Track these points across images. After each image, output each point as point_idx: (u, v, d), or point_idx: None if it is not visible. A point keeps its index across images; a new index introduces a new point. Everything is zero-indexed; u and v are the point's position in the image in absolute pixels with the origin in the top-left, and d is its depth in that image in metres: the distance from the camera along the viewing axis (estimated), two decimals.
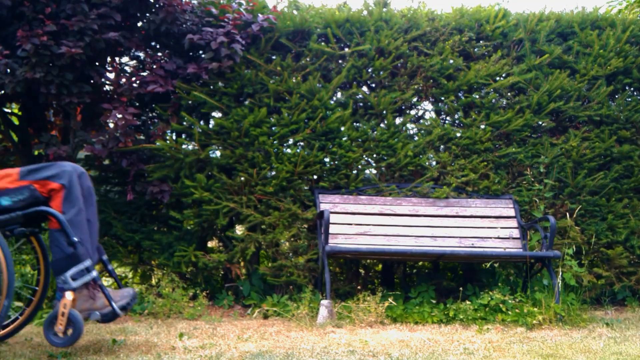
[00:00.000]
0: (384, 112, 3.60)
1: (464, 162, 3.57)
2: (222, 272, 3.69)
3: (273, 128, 3.52)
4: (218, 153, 3.55)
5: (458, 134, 3.64)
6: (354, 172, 3.59)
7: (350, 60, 3.59)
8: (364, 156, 3.63)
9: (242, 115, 3.45)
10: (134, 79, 3.39)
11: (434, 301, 3.29)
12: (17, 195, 2.13)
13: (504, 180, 3.59)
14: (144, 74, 3.44)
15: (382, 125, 3.65)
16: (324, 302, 2.99)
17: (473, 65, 3.64)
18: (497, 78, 3.74)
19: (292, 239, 3.52)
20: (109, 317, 2.19)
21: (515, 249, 3.40)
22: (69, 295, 2.08)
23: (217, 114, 3.65)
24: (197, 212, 3.47)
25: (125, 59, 3.80)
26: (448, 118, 3.78)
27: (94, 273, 2.15)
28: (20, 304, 3.07)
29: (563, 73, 3.68)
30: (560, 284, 3.16)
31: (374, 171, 3.68)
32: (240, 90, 3.55)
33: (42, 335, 2.62)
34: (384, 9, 3.72)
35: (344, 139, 3.54)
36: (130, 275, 3.94)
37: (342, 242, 3.35)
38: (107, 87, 3.60)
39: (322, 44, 3.62)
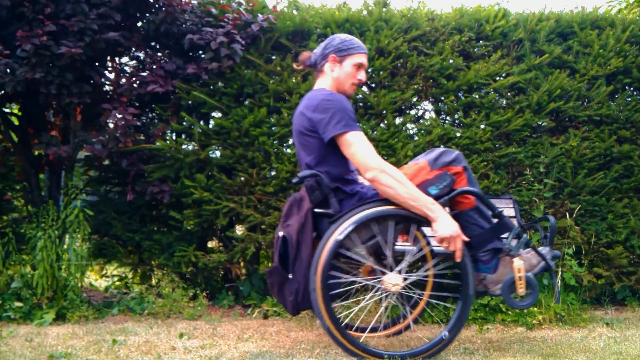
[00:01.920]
0: (384, 112, 3.60)
1: None
2: (222, 272, 3.69)
3: (273, 128, 3.52)
4: (218, 153, 3.55)
5: (458, 134, 3.64)
6: None
7: None
8: None
9: (242, 116, 3.45)
10: (134, 79, 3.40)
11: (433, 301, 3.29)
12: (442, 183, 2.26)
13: (504, 180, 3.58)
14: (144, 74, 3.44)
15: (382, 125, 3.65)
16: None
17: (473, 65, 3.64)
18: (497, 78, 3.74)
19: None
20: (542, 272, 2.36)
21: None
22: (517, 261, 2.25)
23: (217, 114, 3.65)
24: (197, 212, 3.47)
25: (125, 59, 3.81)
26: (448, 118, 3.78)
27: (525, 236, 2.30)
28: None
29: (563, 73, 3.68)
30: (560, 283, 3.16)
31: None
32: (240, 91, 3.55)
33: (42, 336, 2.63)
34: (384, 9, 3.72)
35: None
36: (130, 275, 3.94)
37: None
38: (107, 87, 3.60)
39: None
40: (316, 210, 2.28)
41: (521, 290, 2.23)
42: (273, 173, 3.55)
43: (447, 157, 2.30)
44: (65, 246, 3.28)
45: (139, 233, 3.58)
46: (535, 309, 3.02)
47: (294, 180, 2.31)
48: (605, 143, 3.65)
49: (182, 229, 3.55)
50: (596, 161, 3.65)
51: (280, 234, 2.27)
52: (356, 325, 2.57)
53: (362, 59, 2.40)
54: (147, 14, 3.47)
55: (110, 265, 3.98)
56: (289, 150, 3.55)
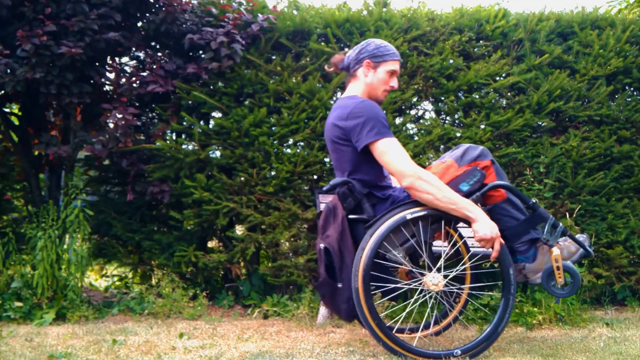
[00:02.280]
0: (384, 112, 3.60)
1: None
2: (222, 272, 3.69)
3: (273, 128, 3.52)
4: (218, 153, 3.56)
5: (458, 134, 3.64)
6: None
7: None
8: None
9: (242, 115, 3.45)
10: (134, 79, 3.39)
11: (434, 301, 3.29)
12: (472, 179, 2.26)
13: None
14: (144, 74, 3.44)
15: None
16: None
17: (473, 65, 3.64)
18: (497, 78, 3.74)
19: (292, 239, 3.52)
20: (581, 259, 2.37)
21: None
22: (556, 250, 2.27)
23: (217, 114, 3.65)
24: (197, 212, 3.47)
25: (125, 59, 3.81)
26: (448, 118, 3.78)
27: (561, 226, 2.29)
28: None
29: (563, 73, 3.67)
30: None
31: None
32: (240, 90, 3.55)
33: (42, 335, 2.63)
34: (384, 9, 3.72)
35: None
36: (130, 275, 3.94)
37: None
38: (107, 87, 3.60)
39: (322, 44, 3.62)
40: (350, 216, 2.30)
41: (560, 279, 2.26)
42: (273, 173, 3.54)
43: (473, 153, 2.30)
44: (65, 246, 3.28)
45: (139, 233, 3.58)
46: (535, 309, 3.02)
47: (325, 187, 2.32)
48: (605, 143, 3.65)
49: (182, 229, 3.56)
50: (596, 161, 3.65)
51: (322, 246, 2.27)
52: (397, 327, 2.57)
53: (396, 65, 2.39)
54: (148, 14, 3.47)
55: (110, 265, 3.98)
56: (289, 150, 3.55)
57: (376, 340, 2.19)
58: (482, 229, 2.16)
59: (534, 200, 2.31)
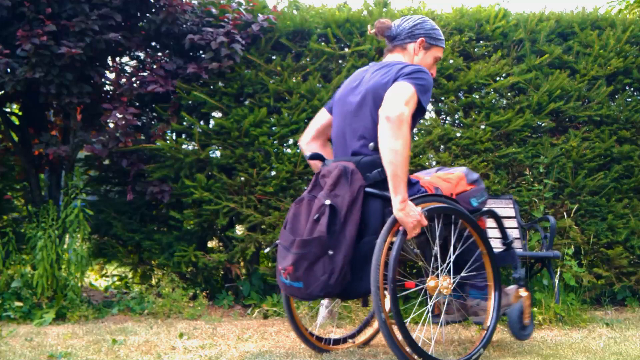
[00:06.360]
0: None
1: (464, 162, 3.57)
2: (222, 272, 3.69)
3: (273, 128, 3.52)
4: (218, 153, 3.56)
5: (458, 134, 3.64)
6: None
7: (350, 60, 3.59)
8: None
9: (242, 115, 3.45)
10: (134, 79, 3.40)
11: None
12: (480, 198, 2.28)
13: (504, 180, 3.58)
14: (144, 74, 3.44)
15: None
16: (324, 302, 2.99)
17: (473, 66, 3.64)
18: (497, 78, 3.74)
19: None
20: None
21: (515, 249, 3.39)
22: (524, 292, 2.29)
23: (217, 114, 3.65)
24: (197, 212, 3.47)
25: (125, 59, 3.81)
26: (448, 118, 3.78)
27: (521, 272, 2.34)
28: (19, 303, 3.08)
29: (563, 73, 3.67)
30: (560, 284, 3.16)
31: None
32: (240, 90, 3.55)
33: (42, 335, 2.63)
34: (384, 9, 3.72)
35: None
36: (130, 275, 3.94)
37: None
38: (107, 87, 3.60)
39: (322, 44, 3.62)
40: (369, 189, 2.05)
41: (527, 320, 2.24)
42: (273, 173, 3.54)
43: (473, 175, 2.32)
44: (65, 246, 3.28)
45: (139, 233, 3.58)
46: (535, 309, 3.02)
47: (372, 145, 2.09)
48: (605, 143, 3.65)
49: (182, 228, 3.55)
50: (596, 161, 3.65)
51: (327, 202, 1.99)
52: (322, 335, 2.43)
53: (441, 53, 2.30)
54: (148, 14, 3.47)
55: (110, 265, 3.98)
56: (289, 150, 3.55)
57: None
58: None
59: (512, 239, 2.33)
